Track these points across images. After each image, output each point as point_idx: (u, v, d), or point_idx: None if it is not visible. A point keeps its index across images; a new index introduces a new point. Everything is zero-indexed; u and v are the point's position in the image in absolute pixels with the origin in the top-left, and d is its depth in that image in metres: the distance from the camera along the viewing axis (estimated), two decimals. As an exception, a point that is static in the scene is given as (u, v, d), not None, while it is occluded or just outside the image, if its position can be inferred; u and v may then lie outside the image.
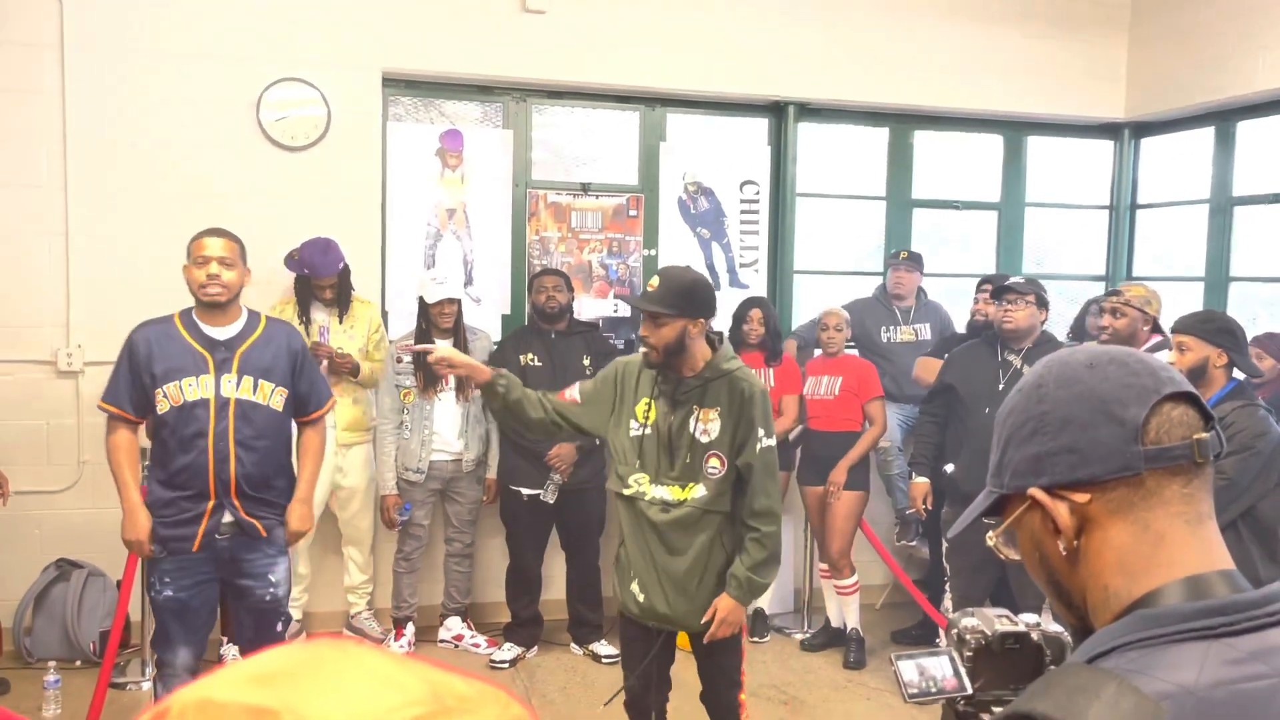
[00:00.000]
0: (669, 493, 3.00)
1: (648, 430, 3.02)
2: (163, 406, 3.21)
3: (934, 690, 1.12)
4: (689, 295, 2.94)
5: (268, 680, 0.47)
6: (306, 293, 4.60)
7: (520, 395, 3.10)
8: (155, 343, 3.22)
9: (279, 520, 3.35)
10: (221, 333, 3.26)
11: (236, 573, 3.32)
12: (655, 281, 2.97)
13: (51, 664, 4.14)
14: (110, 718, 3.89)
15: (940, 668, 1.12)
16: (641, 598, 3.08)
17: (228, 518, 3.26)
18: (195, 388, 3.20)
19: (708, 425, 2.96)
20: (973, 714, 1.11)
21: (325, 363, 4.46)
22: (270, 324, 3.36)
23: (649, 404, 3.04)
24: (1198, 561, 0.89)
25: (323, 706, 0.45)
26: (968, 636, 1.13)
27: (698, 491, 2.97)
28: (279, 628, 3.45)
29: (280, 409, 3.31)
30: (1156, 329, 3.88)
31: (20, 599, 4.50)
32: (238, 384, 3.23)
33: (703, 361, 2.99)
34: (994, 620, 1.17)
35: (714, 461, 2.96)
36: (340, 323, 4.64)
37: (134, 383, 3.23)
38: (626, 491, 3.07)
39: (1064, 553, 0.93)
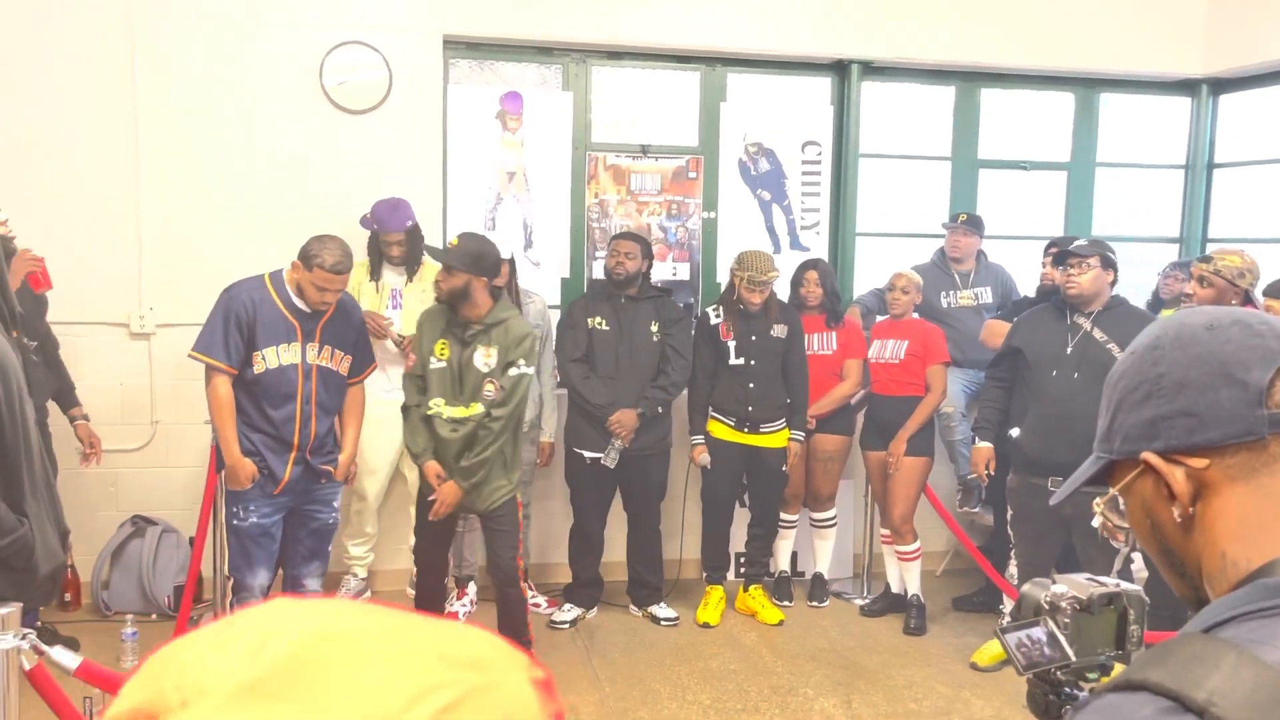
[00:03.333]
0: (457, 412, 3.80)
1: (442, 364, 3.83)
2: (259, 367, 3.64)
3: (1042, 660, 1.09)
4: (479, 258, 3.74)
5: (260, 691, 0.40)
6: (377, 252, 4.64)
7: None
8: (258, 308, 3.63)
9: (334, 463, 3.88)
10: (316, 309, 3.70)
11: (306, 500, 3.83)
12: (455, 240, 3.79)
13: (129, 617, 4.27)
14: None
15: (1041, 637, 1.09)
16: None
17: (306, 463, 3.75)
18: (289, 353, 3.67)
19: (488, 359, 3.78)
20: (1070, 682, 1.08)
21: (389, 342, 4.53)
22: (341, 299, 3.78)
23: (444, 344, 3.84)
24: None
25: (330, 702, 0.39)
26: (1063, 603, 1.10)
27: (477, 410, 3.78)
28: (329, 546, 4.01)
29: (346, 374, 3.83)
30: (1248, 301, 3.70)
31: (98, 554, 4.64)
32: (319, 352, 3.72)
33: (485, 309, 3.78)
34: (1086, 584, 1.14)
35: (489, 386, 3.77)
36: (410, 282, 4.68)
37: (237, 339, 3.61)
38: (429, 412, 3.84)
39: (1178, 520, 0.90)
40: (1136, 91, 5.87)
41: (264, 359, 3.63)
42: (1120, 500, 0.97)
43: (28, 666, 2.09)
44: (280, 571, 4.02)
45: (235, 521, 3.73)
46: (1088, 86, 5.78)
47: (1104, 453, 0.97)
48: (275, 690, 0.39)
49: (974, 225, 5.26)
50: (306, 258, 3.58)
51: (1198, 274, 3.70)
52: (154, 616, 4.57)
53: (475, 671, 0.42)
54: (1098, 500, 0.98)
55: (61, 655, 2.15)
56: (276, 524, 3.77)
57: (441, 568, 4.20)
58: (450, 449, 3.81)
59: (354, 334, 3.85)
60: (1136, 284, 5.40)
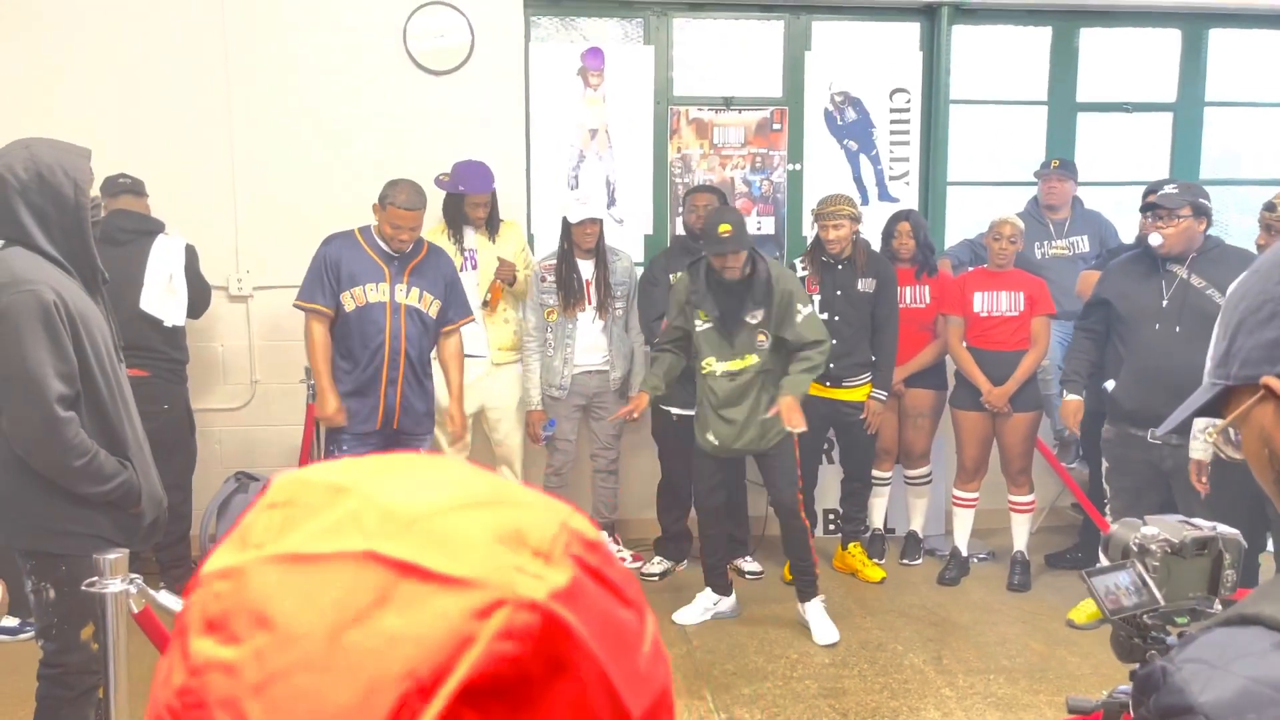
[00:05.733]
0: (730, 366, 4.04)
1: (708, 325, 4.04)
2: (349, 306, 3.95)
3: (1129, 604, 1.04)
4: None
5: (348, 468, 0.52)
6: (456, 213, 4.65)
7: (668, 375, 4.13)
8: (343, 253, 3.97)
9: (427, 407, 4.12)
10: (396, 250, 3.97)
11: (395, 442, 4.07)
12: (727, 228, 3.82)
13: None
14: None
15: (1127, 581, 1.04)
16: (716, 441, 4.12)
17: (397, 400, 3.99)
18: (376, 293, 3.95)
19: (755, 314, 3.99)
20: (1158, 626, 1.04)
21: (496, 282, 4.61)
22: (431, 248, 4.12)
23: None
24: None
25: (389, 490, 0.49)
26: (1152, 546, 1.05)
27: (752, 361, 4.01)
28: None
29: (435, 317, 4.06)
30: None
31: (205, 509, 4.83)
32: (407, 292, 3.98)
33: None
34: (1179, 527, 1.09)
35: (760, 337, 4.00)
36: (492, 243, 4.71)
37: (328, 282, 3.96)
38: (704, 370, 4.08)
39: None
40: (1248, 26, 5.55)
41: (352, 298, 3.94)
42: (1233, 431, 0.90)
43: (135, 610, 2.19)
44: None
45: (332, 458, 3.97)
46: (1195, 22, 5.48)
47: (1219, 379, 0.89)
48: (350, 486, 0.50)
49: (1067, 171, 5.05)
50: (382, 198, 3.92)
51: (1265, 222, 3.52)
52: (258, 568, 4.74)
53: (516, 498, 0.51)
54: (1210, 429, 0.91)
55: (167, 599, 2.25)
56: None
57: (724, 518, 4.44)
58: (721, 398, 4.07)
59: (444, 281, 4.08)
60: (1251, 230, 5.14)
